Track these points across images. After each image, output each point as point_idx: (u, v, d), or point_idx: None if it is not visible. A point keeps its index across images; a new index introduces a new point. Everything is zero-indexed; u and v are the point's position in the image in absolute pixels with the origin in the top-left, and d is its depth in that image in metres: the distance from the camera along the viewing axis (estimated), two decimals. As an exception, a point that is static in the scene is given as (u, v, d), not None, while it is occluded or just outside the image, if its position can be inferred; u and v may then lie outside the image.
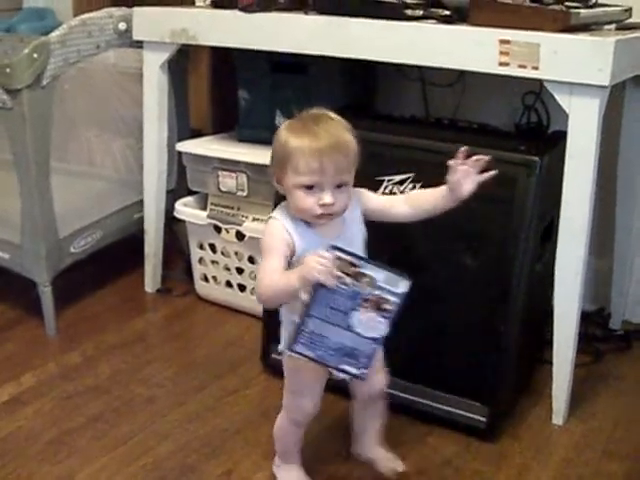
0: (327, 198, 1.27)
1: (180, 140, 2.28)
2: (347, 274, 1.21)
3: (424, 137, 1.67)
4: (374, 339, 1.27)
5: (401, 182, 1.63)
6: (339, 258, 1.21)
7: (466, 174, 1.34)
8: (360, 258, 1.23)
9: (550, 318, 1.71)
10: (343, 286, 1.22)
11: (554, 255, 1.66)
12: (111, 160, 2.48)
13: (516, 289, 1.58)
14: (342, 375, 1.33)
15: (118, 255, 2.38)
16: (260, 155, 2.07)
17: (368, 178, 1.65)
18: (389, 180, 1.64)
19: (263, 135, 2.18)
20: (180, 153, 2.24)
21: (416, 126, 1.61)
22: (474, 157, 1.33)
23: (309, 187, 1.28)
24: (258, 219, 2.10)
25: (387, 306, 1.24)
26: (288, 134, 1.30)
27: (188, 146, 2.22)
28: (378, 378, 1.48)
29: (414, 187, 1.63)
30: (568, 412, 1.75)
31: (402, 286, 1.24)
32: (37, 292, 2.07)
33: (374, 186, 1.65)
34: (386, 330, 1.27)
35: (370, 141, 1.69)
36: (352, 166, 1.31)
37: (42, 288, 2.05)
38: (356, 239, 1.38)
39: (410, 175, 1.62)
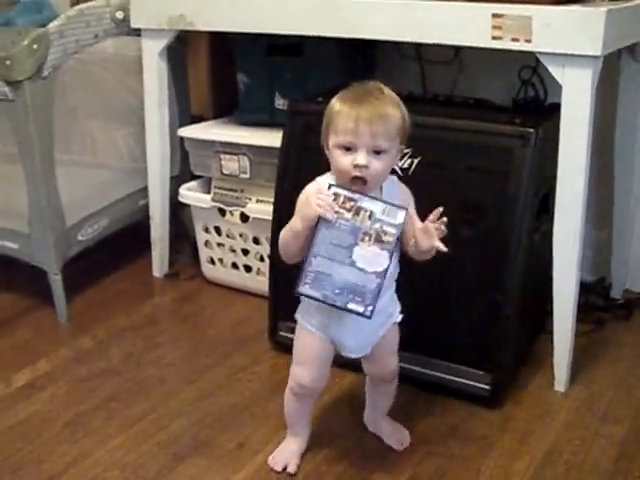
0: (360, 159, 1.30)
1: (181, 126, 2.31)
2: (346, 209, 1.28)
3: (421, 113, 1.69)
4: (377, 273, 1.30)
5: (399, 158, 1.65)
6: (337, 194, 1.28)
7: (430, 233, 1.34)
8: (358, 193, 1.29)
9: (551, 287, 1.74)
10: (343, 221, 1.28)
11: (552, 225, 1.69)
12: (114, 149, 2.51)
13: (514, 259, 1.62)
14: (350, 311, 1.33)
15: (125, 242, 2.42)
16: (261, 137, 2.10)
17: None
18: (387, 156, 1.67)
19: (263, 118, 2.22)
20: (182, 139, 2.27)
21: (413, 102, 1.63)
22: (439, 220, 1.35)
23: (347, 149, 1.32)
24: (261, 200, 2.14)
25: (387, 238, 1.30)
26: (336, 100, 1.36)
27: (190, 131, 2.26)
28: (390, 360, 1.52)
29: (412, 162, 1.66)
30: (569, 379, 1.79)
31: (400, 217, 1.30)
32: (47, 280, 2.11)
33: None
34: (388, 263, 1.30)
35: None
36: (393, 137, 1.33)
37: (52, 276, 2.09)
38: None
39: (408, 150, 1.64)
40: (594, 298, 2.15)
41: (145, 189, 2.32)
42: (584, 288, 1.92)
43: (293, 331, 1.82)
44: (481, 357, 1.67)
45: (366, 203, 1.29)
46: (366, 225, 1.29)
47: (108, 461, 1.57)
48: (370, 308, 1.31)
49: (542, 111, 1.80)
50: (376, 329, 1.44)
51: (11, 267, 2.26)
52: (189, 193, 2.28)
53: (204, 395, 1.78)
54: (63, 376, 1.88)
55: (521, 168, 1.60)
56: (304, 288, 1.31)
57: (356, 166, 1.31)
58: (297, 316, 1.47)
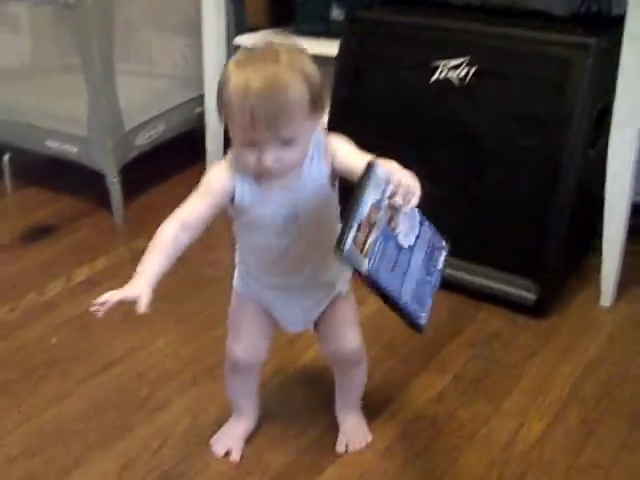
0: (266, 160, 1.08)
1: (238, 35, 2.31)
2: (366, 238, 1.02)
3: (479, 22, 1.68)
4: (423, 223, 1.13)
5: (456, 66, 1.66)
6: (358, 237, 1.00)
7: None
8: (351, 216, 1.01)
9: (602, 208, 1.74)
10: (375, 248, 1.03)
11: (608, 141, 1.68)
12: (170, 58, 2.54)
13: (567, 170, 1.62)
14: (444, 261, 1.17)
15: (182, 150, 2.46)
16: (316, 46, 2.09)
17: (424, 64, 1.70)
18: (444, 65, 1.67)
19: (319, 28, 2.21)
20: (238, 47, 2.27)
21: (471, 12, 1.63)
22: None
23: (249, 143, 1.09)
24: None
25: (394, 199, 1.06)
26: (233, 70, 1.08)
27: (246, 40, 2.26)
28: (344, 337, 1.31)
29: (468, 71, 1.65)
30: (615, 295, 1.80)
31: (380, 172, 1.05)
32: (105, 185, 2.16)
33: (430, 71, 1.69)
34: (416, 209, 1.11)
35: (425, 27, 1.74)
36: (301, 121, 1.08)
37: (110, 179, 2.15)
38: (311, 201, 1.17)
39: (465, 59, 1.64)
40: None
41: (201, 97, 2.34)
42: (637, 210, 1.91)
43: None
44: (530, 266, 1.70)
45: (362, 207, 1.01)
46: (383, 221, 1.04)
47: (164, 352, 1.65)
48: (445, 244, 1.17)
49: (604, 22, 1.77)
50: (317, 302, 1.29)
51: (70, 172, 2.33)
52: (244, 102, 2.30)
53: (256, 296, 1.83)
54: (120, 273, 1.93)
55: (580, 80, 1.58)
56: (424, 319, 1.09)
57: (264, 166, 1.09)
58: (234, 283, 1.34)
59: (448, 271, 1.68)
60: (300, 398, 1.54)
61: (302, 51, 1.12)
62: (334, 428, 1.44)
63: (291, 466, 1.37)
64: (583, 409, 1.49)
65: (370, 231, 1.01)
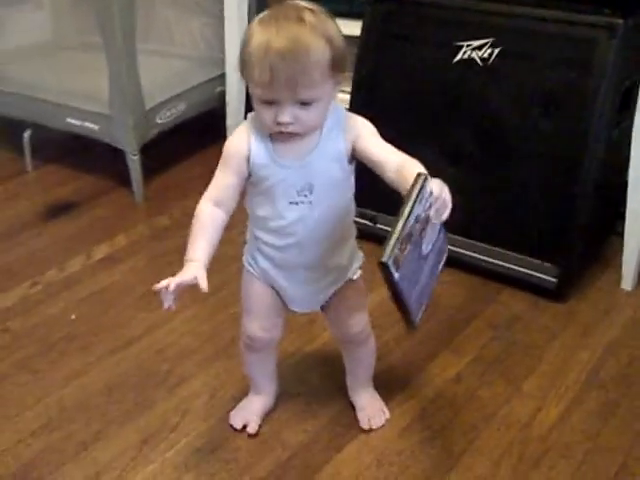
0: (282, 116, 1.09)
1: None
2: (403, 249, 1.02)
3: (504, 2, 1.67)
4: (440, 231, 1.13)
5: (480, 47, 1.64)
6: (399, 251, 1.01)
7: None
8: (396, 228, 1.00)
9: (625, 190, 1.72)
10: (407, 258, 1.03)
11: (632, 122, 1.66)
12: (191, 38, 2.54)
13: (591, 152, 1.60)
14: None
15: (202, 129, 2.45)
16: (340, 26, 2.08)
17: (446, 44, 1.69)
18: (468, 45, 1.65)
19: (342, 8, 2.19)
20: (259, 27, 2.27)
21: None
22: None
23: (268, 102, 1.10)
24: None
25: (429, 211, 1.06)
26: (256, 28, 1.09)
27: (268, 19, 2.25)
28: (351, 321, 1.33)
29: (492, 52, 1.64)
30: (637, 278, 1.79)
31: (428, 186, 1.04)
32: (125, 163, 2.17)
33: (453, 51, 1.68)
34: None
35: (449, 7, 1.72)
36: (320, 82, 1.08)
37: (131, 157, 2.15)
38: (326, 173, 1.18)
39: (489, 40, 1.63)
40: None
41: (222, 76, 2.35)
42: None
43: (362, 216, 1.83)
44: (550, 250, 1.68)
45: (407, 219, 1.00)
46: (417, 228, 1.04)
47: (183, 329, 1.66)
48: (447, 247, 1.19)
49: (632, 2, 1.74)
50: (326, 287, 1.29)
51: (90, 150, 2.34)
52: (265, 81, 2.29)
53: (275, 274, 1.84)
54: (140, 251, 1.96)
55: (605, 61, 1.56)
56: (418, 320, 1.12)
57: (280, 124, 1.10)
58: (244, 260, 1.34)
59: (470, 253, 1.72)
60: (318, 377, 1.54)
61: (326, 12, 1.12)
62: (352, 407, 1.44)
63: (310, 443, 1.38)
64: (602, 392, 1.48)
65: (407, 243, 1.02)
